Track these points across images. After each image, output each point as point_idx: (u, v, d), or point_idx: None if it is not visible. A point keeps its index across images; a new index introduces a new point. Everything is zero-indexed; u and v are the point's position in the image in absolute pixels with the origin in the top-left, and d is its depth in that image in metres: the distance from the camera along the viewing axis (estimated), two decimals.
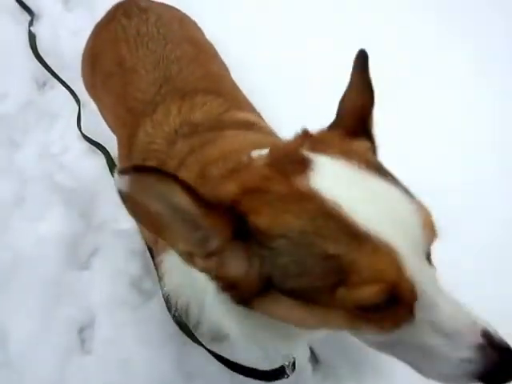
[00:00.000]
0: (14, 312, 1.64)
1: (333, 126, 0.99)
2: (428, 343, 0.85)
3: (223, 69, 1.57)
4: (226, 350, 1.39)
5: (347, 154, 0.87)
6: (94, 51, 1.58)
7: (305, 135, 0.96)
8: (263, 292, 0.85)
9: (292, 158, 0.88)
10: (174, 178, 0.73)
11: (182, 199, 0.75)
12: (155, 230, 0.80)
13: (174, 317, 1.33)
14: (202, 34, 1.65)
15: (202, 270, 0.86)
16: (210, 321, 1.09)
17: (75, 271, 1.72)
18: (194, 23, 1.67)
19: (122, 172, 0.70)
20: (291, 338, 1.08)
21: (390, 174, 0.89)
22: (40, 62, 1.98)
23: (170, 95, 1.35)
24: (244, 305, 0.89)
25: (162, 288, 1.21)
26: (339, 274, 0.78)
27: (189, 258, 0.84)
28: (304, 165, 0.85)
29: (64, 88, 2.02)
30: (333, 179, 0.83)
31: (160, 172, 0.73)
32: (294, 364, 1.31)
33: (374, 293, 0.78)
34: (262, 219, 0.81)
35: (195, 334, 1.38)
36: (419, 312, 0.83)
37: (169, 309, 1.34)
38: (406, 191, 0.86)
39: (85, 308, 1.65)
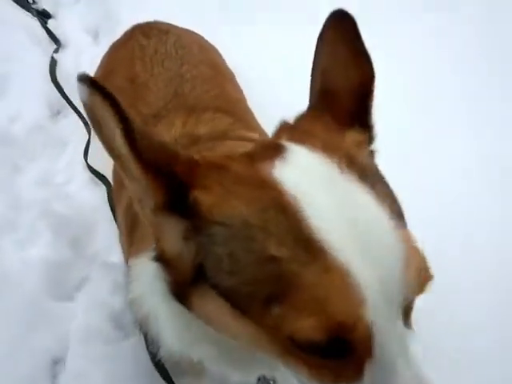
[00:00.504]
0: None
1: (317, 111, 0.83)
2: None
3: (239, 92, 1.51)
4: None
5: (328, 148, 0.73)
6: (108, 68, 1.57)
7: (284, 126, 0.84)
8: (195, 282, 0.74)
9: (267, 146, 0.78)
10: (113, 105, 0.63)
11: (118, 135, 0.65)
12: (111, 156, 0.70)
13: (152, 356, 1.20)
14: (223, 59, 1.62)
15: (150, 224, 0.76)
16: (166, 338, 0.96)
17: (56, 300, 1.65)
18: (215, 49, 1.66)
19: (81, 80, 0.63)
20: (245, 364, 0.94)
21: (380, 182, 0.75)
22: (56, 87, 1.98)
23: (176, 109, 1.28)
24: (180, 299, 0.79)
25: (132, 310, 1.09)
26: (276, 286, 0.65)
27: (139, 203, 0.74)
28: (276, 152, 0.74)
29: (76, 118, 2.01)
30: (301, 172, 0.70)
31: (104, 93, 0.63)
32: None
33: (311, 327, 0.63)
34: (206, 197, 0.70)
35: (173, 377, 1.26)
36: (370, 374, 0.67)
37: (147, 346, 1.20)
38: (395, 212, 0.70)
39: (60, 339, 1.58)
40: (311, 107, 0.84)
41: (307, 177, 0.69)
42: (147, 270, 0.89)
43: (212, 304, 0.73)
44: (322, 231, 0.63)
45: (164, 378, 1.25)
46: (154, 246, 0.80)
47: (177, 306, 0.81)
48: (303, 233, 0.64)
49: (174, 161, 0.70)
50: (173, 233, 0.73)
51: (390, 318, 0.65)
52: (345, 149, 0.75)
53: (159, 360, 1.21)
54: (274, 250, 0.64)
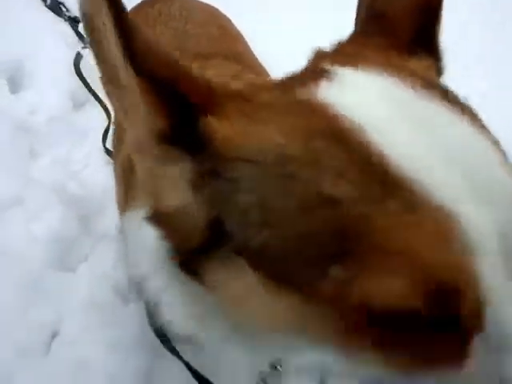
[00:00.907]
0: None
1: (365, 35, 0.67)
2: None
3: (249, 49, 1.46)
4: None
5: (391, 69, 0.57)
6: None
7: (320, 53, 0.67)
8: (207, 248, 0.57)
9: (304, 73, 0.62)
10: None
11: (111, 35, 0.50)
12: (107, 77, 0.56)
13: (151, 323, 1.11)
14: (234, 27, 1.58)
15: (148, 174, 0.60)
16: (167, 312, 0.81)
17: (59, 271, 1.63)
18: (227, 18, 1.63)
19: None
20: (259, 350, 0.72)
21: (468, 108, 0.57)
22: (79, 78, 1.99)
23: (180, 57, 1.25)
24: (187, 269, 0.62)
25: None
26: (335, 239, 0.47)
27: (136, 147, 0.59)
28: (320, 76, 0.57)
29: (97, 111, 1.99)
30: (363, 94, 0.53)
31: None
32: None
33: (400, 290, 0.45)
34: (224, 126, 0.53)
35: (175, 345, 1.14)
36: (477, 358, 0.49)
37: (149, 315, 1.13)
38: (497, 144, 0.54)
39: (59, 309, 1.53)
40: (356, 32, 0.69)
41: (371, 99, 0.53)
42: (144, 231, 0.74)
43: (235, 277, 0.56)
44: (407, 160, 0.47)
45: (166, 346, 1.17)
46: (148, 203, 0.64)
47: (181, 278, 0.65)
48: (375, 164, 0.47)
49: (184, 79, 0.54)
50: (177, 179, 0.56)
51: (509, 278, 0.47)
52: (413, 70, 0.60)
53: (160, 328, 1.13)
54: (329, 188, 0.47)
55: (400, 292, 0.45)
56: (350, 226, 0.46)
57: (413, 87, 0.53)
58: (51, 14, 2.40)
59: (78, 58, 2.14)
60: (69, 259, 1.65)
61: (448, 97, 0.55)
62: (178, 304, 0.74)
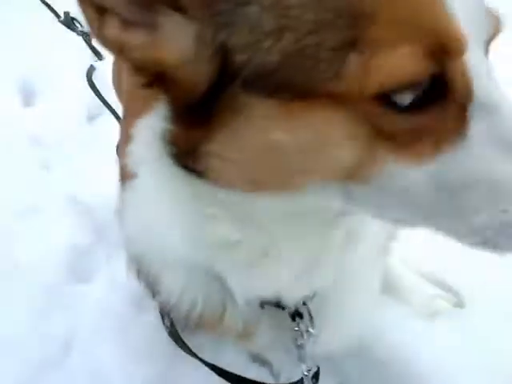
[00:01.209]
0: (4, 317, 1.51)
1: None
2: (485, 171, 0.55)
3: None
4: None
5: None
6: None
7: None
8: (217, 94, 0.56)
9: None
10: None
11: None
12: None
13: (168, 322, 1.12)
14: None
15: (118, 45, 0.56)
16: (172, 237, 0.80)
17: (73, 282, 1.63)
18: None
19: None
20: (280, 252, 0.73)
21: None
22: (91, 89, 2.00)
23: None
24: (190, 155, 0.62)
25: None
26: (351, 24, 0.49)
27: (98, 18, 0.54)
28: None
29: (111, 123, 1.98)
30: None
31: None
32: (316, 375, 0.97)
33: (408, 56, 0.49)
34: None
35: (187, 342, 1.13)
36: (475, 119, 0.54)
37: (162, 315, 1.14)
38: None
39: (73, 318, 1.52)
40: None
41: None
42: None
43: (253, 115, 0.55)
44: None
45: (183, 348, 1.14)
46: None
47: (186, 184, 0.66)
48: None
49: None
50: (176, 23, 0.56)
51: (481, 51, 0.55)
52: None
53: (173, 327, 1.12)
54: None
55: (408, 57, 0.49)
56: (360, 7, 0.49)
57: None
58: (64, 28, 2.44)
59: (91, 70, 2.16)
60: (83, 269, 1.64)
61: None
62: (183, 214, 0.74)
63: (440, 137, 0.54)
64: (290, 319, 0.90)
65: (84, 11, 0.56)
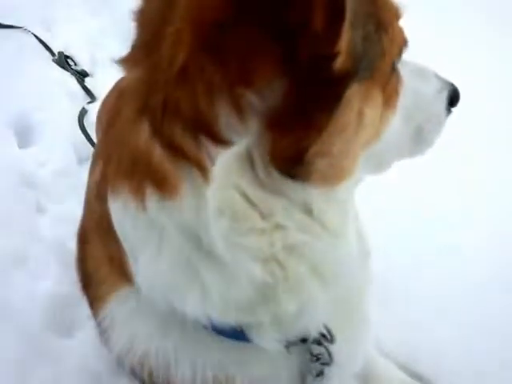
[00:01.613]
0: None
1: None
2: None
3: None
4: None
5: None
6: None
7: None
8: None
9: None
10: None
11: None
12: None
13: None
14: None
15: None
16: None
17: (55, 335, 1.63)
18: None
19: None
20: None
21: None
22: (83, 133, 2.04)
23: None
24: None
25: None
26: (375, 14, 0.71)
27: None
28: None
29: None
30: None
31: None
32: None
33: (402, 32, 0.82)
34: None
35: None
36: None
37: None
38: None
39: (56, 378, 1.52)
40: None
41: None
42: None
43: (353, 100, 0.70)
44: None
45: None
46: None
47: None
48: None
49: None
50: None
51: None
52: None
53: None
54: None
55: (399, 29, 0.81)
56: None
57: None
58: (58, 68, 2.48)
59: (83, 112, 2.19)
60: (65, 322, 1.64)
61: None
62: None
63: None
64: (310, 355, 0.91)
65: None
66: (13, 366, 1.52)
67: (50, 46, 2.61)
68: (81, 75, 2.46)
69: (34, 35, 2.68)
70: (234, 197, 0.69)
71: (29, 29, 2.71)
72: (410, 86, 0.88)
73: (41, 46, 2.62)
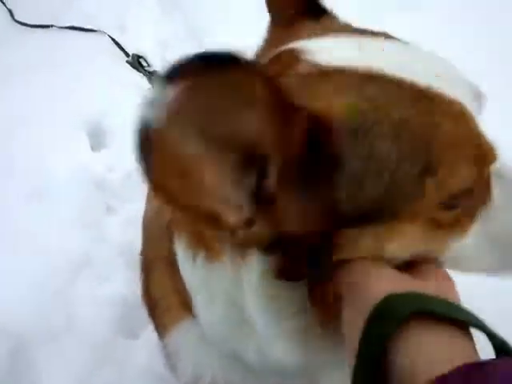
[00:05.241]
0: (54, 371, 1.58)
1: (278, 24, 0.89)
2: None
3: None
4: None
5: (332, 31, 0.76)
6: None
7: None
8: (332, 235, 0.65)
9: (275, 59, 0.75)
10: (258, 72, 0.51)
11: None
12: (185, 195, 0.55)
13: None
14: None
15: (260, 241, 0.63)
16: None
17: (122, 337, 1.68)
18: None
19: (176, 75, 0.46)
20: None
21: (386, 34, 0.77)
22: None
23: None
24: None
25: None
26: (420, 154, 0.62)
27: (243, 233, 0.60)
28: (291, 59, 0.71)
29: None
30: (346, 48, 0.70)
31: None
32: None
33: (466, 169, 0.65)
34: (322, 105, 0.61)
35: None
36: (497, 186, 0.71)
37: None
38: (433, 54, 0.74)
39: (119, 376, 1.58)
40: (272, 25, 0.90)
41: (368, 53, 0.68)
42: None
43: (363, 242, 0.65)
44: (421, 79, 0.64)
45: None
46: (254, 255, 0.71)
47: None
48: (416, 90, 0.63)
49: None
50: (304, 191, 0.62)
51: None
52: (339, 27, 0.80)
53: None
54: (396, 114, 0.61)
55: (466, 171, 0.64)
56: (424, 136, 0.62)
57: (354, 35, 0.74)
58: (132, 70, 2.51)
59: None
60: (131, 325, 1.67)
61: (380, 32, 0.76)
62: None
63: (477, 210, 0.70)
64: None
65: (235, 239, 0.62)
66: (81, 366, 1.58)
67: (125, 48, 2.66)
68: (152, 75, 2.48)
69: (110, 37, 2.74)
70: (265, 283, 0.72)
71: (104, 31, 2.77)
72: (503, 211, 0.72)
73: (116, 49, 2.66)
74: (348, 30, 0.78)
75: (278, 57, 0.74)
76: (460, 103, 0.64)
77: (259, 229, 0.60)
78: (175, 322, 0.96)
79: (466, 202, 0.68)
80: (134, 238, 1.91)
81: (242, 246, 0.68)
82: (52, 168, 2.07)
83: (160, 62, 2.59)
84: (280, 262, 0.68)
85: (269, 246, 0.64)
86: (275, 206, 0.60)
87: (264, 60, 0.76)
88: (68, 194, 2.03)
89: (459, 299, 0.69)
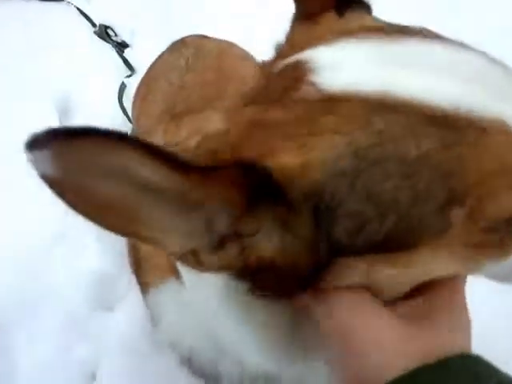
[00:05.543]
0: (29, 343, 1.57)
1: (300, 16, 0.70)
2: None
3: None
4: None
5: (350, 33, 0.60)
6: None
7: (278, 50, 0.69)
8: (325, 264, 0.56)
9: (282, 73, 0.62)
10: (131, 142, 0.44)
11: (154, 170, 0.45)
12: (119, 225, 0.50)
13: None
14: (246, 62, 1.53)
15: (219, 268, 0.55)
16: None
17: (96, 311, 1.67)
18: (240, 53, 1.58)
19: (38, 144, 0.42)
20: None
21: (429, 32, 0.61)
22: (121, 110, 2.01)
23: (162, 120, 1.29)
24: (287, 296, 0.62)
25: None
26: (444, 186, 0.52)
27: (193, 258, 0.53)
28: (299, 70, 0.58)
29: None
30: (366, 63, 0.56)
31: (106, 135, 0.42)
32: None
33: (507, 196, 0.53)
34: (287, 159, 0.52)
35: None
36: None
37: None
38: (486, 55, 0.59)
39: (96, 352, 1.57)
40: (297, 19, 0.72)
41: (378, 64, 0.55)
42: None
43: (361, 272, 0.57)
44: (450, 100, 0.52)
45: None
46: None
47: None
48: (431, 114, 0.52)
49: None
50: (269, 227, 0.54)
51: None
52: (361, 26, 0.63)
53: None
54: (414, 149, 0.51)
55: (506, 198, 0.53)
56: (448, 170, 0.51)
57: (383, 40, 0.57)
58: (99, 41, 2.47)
59: (122, 88, 2.18)
60: (107, 298, 1.67)
61: (410, 31, 0.60)
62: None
63: None
64: None
65: (184, 262, 0.54)
66: (55, 342, 1.57)
67: (92, 19, 2.61)
68: (121, 46, 2.46)
69: (76, 7, 2.68)
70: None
71: (71, 1, 2.71)
72: None
73: (82, 19, 2.61)
74: (379, 29, 0.61)
75: (283, 72, 0.62)
76: (502, 126, 0.53)
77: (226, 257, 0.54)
78: (159, 279, 0.96)
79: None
80: None
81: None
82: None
83: (129, 33, 2.55)
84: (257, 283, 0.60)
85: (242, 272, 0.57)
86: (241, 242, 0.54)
87: (276, 68, 0.64)
88: None
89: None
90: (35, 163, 0.42)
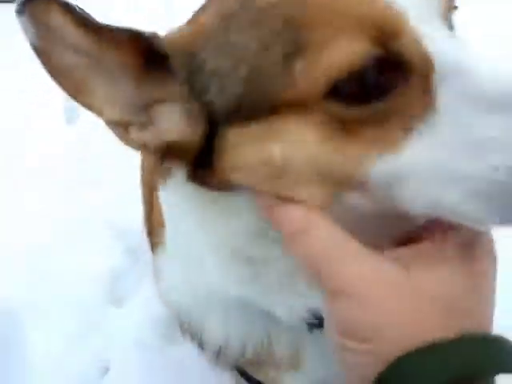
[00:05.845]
0: (43, 338, 1.60)
1: None
2: (466, 137, 0.52)
3: None
4: None
5: None
6: None
7: None
8: (211, 138, 0.62)
9: None
10: (60, 4, 0.56)
11: (69, 28, 0.57)
12: (76, 92, 0.59)
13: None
14: None
15: (139, 146, 0.64)
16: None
17: (108, 305, 1.71)
18: None
19: (21, 10, 0.55)
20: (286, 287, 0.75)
21: None
22: None
23: None
24: (203, 180, 0.66)
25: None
26: (287, 35, 0.54)
27: (123, 130, 0.62)
28: None
29: None
30: None
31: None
32: None
33: (351, 44, 0.52)
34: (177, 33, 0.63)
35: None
36: (442, 88, 0.53)
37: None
38: None
39: (109, 344, 1.60)
40: None
41: None
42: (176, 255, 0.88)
43: (243, 141, 0.60)
44: None
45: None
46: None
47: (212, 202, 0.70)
48: None
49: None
50: (167, 105, 0.63)
51: (435, 21, 0.56)
52: None
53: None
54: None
55: (351, 46, 0.52)
56: (291, 15, 0.54)
57: None
58: None
59: None
60: (119, 293, 1.71)
61: None
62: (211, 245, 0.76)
63: (408, 118, 0.54)
64: None
65: (114, 131, 0.63)
66: (68, 336, 1.60)
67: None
68: None
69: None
70: None
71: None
72: (450, 121, 0.53)
73: None
74: None
75: None
76: None
77: (148, 136, 0.63)
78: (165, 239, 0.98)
79: (390, 105, 0.54)
80: (121, 209, 1.96)
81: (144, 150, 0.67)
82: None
83: None
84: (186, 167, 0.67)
85: (163, 154, 0.65)
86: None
87: None
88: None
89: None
90: (24, 31, 0.56)
